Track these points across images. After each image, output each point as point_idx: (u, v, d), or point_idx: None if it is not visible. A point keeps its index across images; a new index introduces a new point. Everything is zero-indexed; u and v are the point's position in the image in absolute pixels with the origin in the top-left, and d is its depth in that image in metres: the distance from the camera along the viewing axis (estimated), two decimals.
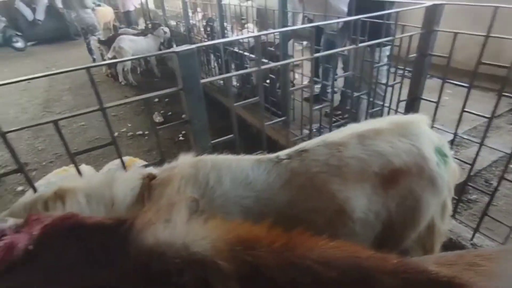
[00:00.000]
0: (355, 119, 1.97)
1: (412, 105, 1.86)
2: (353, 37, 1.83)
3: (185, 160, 0.94)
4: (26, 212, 0.83)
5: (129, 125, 4.14)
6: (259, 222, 0.68)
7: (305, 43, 5.38)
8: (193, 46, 1.01)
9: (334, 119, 2.96)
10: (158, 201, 0.87)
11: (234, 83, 4.28)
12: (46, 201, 0.83)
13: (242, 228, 0.62)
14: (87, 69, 0.98)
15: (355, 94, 1.69)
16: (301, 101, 3.03)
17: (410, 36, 1.59)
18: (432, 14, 1.60)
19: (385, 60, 2.44)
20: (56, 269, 0.56)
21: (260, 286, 0.54)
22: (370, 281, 0.54)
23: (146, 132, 3.90)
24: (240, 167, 0.94)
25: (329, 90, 4.12)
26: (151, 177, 0.93)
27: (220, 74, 4.61)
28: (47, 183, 1.60)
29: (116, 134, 3.99)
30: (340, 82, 4.51)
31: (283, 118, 1.42)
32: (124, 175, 0.91)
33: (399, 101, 1.80)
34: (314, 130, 3.01)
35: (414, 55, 1.69)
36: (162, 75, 5.86)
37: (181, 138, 3.67)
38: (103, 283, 0.56)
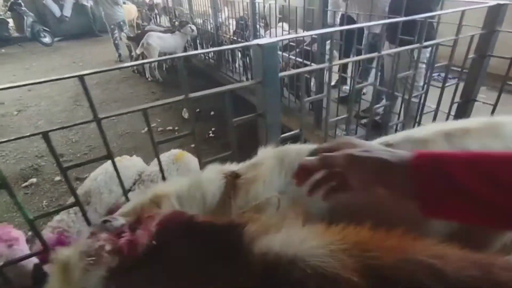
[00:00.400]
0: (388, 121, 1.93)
1: (465, 108, 1.82)
2: (402, 38, 1.82)
3: (268, 155, 0.95)
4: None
5: (159, 120, 4.20)
6: (346, 215, 0.68)
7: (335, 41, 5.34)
8: (277, 39, 1.02)
9: (364, 122, 2.94)
10: (245, 199, 0.88)
11: None
12: (143, 208, 0.86)
13: (350, 232, 0.60)
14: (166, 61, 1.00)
15: (412, 97, 1.66)
16: (336, 101, 3.01)
17: (472, 36, 1.57)
18: (495, 14, 1.56)
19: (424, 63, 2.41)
20: (178, 265, 0.58)
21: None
22: (490, 277, 0.53)
23: (176, 128, 3.95)
24: None
25: (365, 91, 4.11)
26: (234, 176, 0.94)
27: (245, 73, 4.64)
28: (104, 172, 1.65)
29: (146, 129, 4.06)
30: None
31: (345, 116, 1.41)
32: (208, 176, 0.92)
33: (452, 103, 1.77)
34: (344, 132, 3.00)
35: (473, 56, 1.66)
36: (187, 72, 5.92)
37: (211, 135, 3.70)
38: (224, 285, 0.56)
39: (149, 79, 5.61)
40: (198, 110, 4.38)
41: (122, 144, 3.71)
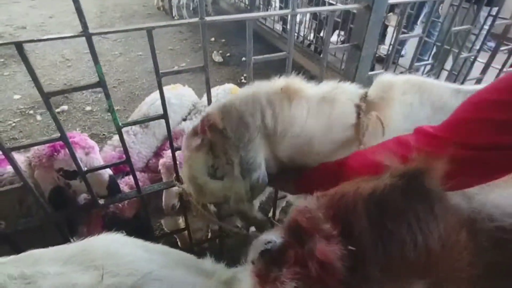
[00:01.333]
0: None
1: None
2: None
3: (396, 88, 0.88)
4: (248, 105, 0.81)
5: (188, 60, 4.06)
6: None
7: None
8: None
9: None
10: (377, 134, 0.83)
11: (301, 34, 4.07)
12: (270, 96, 0.80)
13: None
14: None
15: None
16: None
17: None
18: None
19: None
20: (391, 256, 0.44)
21: None
22: None
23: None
24: (439, 94, 0.88)
25: (403, 53, 3.88)
26: (365, 111, 0.88)
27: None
28: (153, 99, 1.60)
29: (175, 67, 3.94)
30: (409, 47, 4.22)
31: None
32: (343, 98, 0.86)
33: (502, 69, 1.66)
34: None
35: None
36: (214, 14, 5.62)
37: (243, 80, 3.59)
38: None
39: (175, 18, 5.33)
40: (228, 54, 4.21)
41: (151, 80, 3.61)
